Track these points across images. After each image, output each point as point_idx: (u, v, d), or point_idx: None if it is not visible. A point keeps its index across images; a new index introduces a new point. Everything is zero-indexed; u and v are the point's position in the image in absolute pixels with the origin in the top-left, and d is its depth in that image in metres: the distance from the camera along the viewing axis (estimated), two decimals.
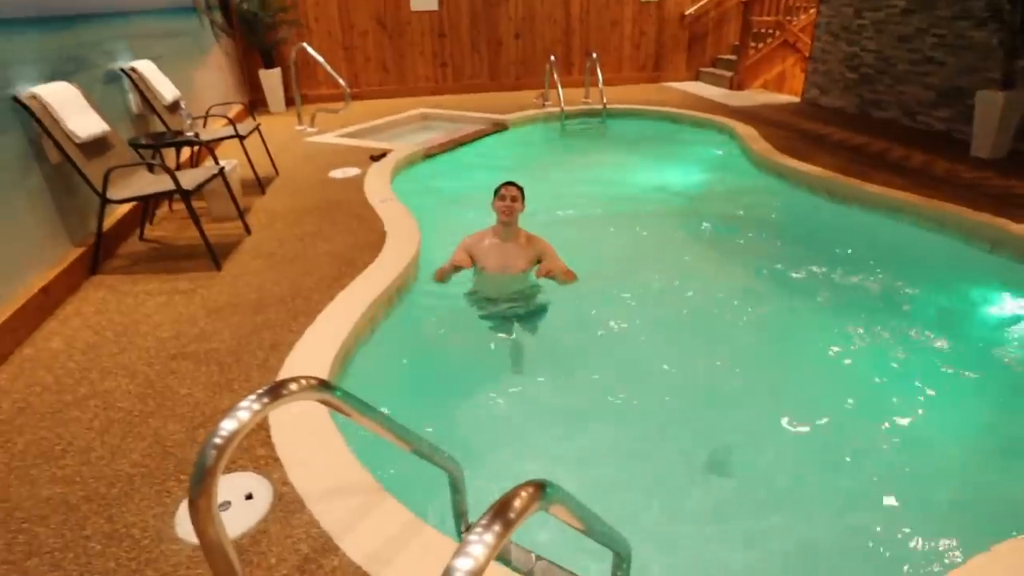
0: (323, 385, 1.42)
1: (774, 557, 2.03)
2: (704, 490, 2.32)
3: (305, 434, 2.15)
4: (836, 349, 3.13)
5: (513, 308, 3.32)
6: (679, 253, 4.28)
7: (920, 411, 2.68)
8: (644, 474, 2.37)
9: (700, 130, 7.48)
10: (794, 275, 3.92)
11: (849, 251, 4.17)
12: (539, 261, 3.37)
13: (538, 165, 6.53)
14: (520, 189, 3.34)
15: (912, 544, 2.04)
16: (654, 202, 5.28)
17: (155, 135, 4.49)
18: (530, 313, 3.32)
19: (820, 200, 5.05)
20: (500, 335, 3.22)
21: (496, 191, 3.35)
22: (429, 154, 6.45)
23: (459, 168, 6.36)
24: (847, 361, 3.05)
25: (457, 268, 3.36)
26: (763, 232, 4.65)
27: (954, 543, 2.01)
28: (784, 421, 2.60)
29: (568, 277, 3.33)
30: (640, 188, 5.65)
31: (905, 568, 1.97)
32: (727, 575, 1.98)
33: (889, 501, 2.22)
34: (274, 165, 5.62)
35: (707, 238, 4.58)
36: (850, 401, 2.73)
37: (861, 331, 3.26)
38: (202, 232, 3.54)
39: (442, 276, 3.38)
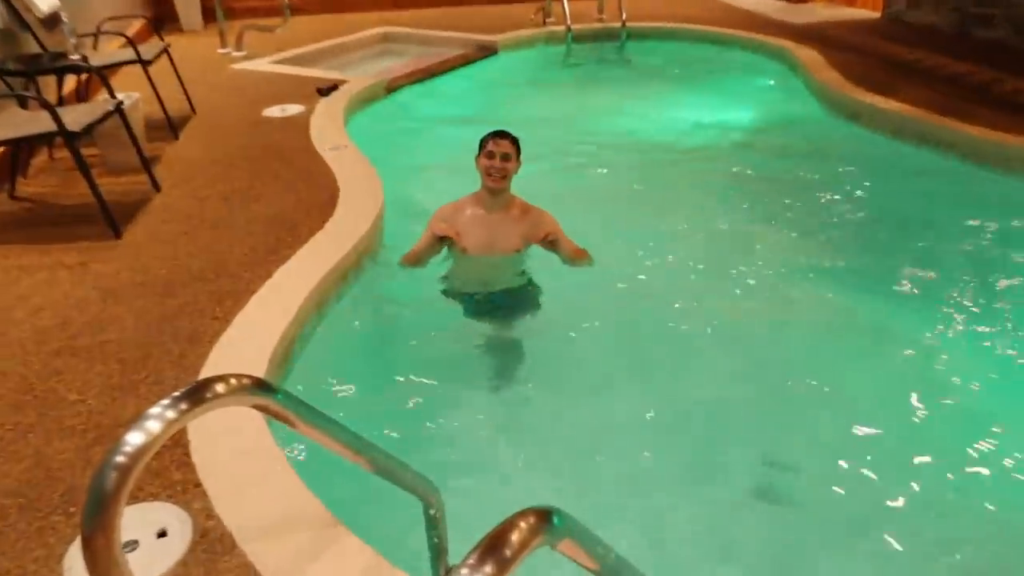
0: (260, 386, 1.39)
1: None
2: (755, 527, 2.32)
3: (236, 451, 2.12)
4: (926, 346, 3.11)
5: (499, 300, 3.24)
6: (717, 221, 4.27)
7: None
8: (676, 508, 2.37)
9: (749, 56, 7.45)
10: (870, 247, 3.94)
11: (944, 214, 4.17)
12: (538, 240, 3.23)
13: (536, 103, 6.50)
14: (514, 142, 3.13)
15: None
16: (687, 153, 5.28)
17: (27, 58, 4.40)
18: (521, 306, 3.24)
19: (906, 146, 5.06)
20: (482, 334, 3.17)
21: (481, 144, 3.13)
22: (393, 87, 6.39)
23: (433, 105, 6.31)
24: (939, 365, 3.01)
25: (441, 241, 3.19)
26: (830, 190, 4.64)
27: None
28: (857, 439, 2.60)
29: (580, 256, 3.24)
30: (669, 135, 5.64)
31: None
32: None
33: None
34: (189, 101, 5.55)
35: (756, 199, 4.58)
36: (945, 414, 2.73)
37: (959, 321, 3.27)
38: (94, 188, 3.48)
39: (416, 259, 3.22)
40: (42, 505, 1.99)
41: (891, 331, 3.27)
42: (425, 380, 2.88)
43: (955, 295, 3.47)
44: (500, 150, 3.05)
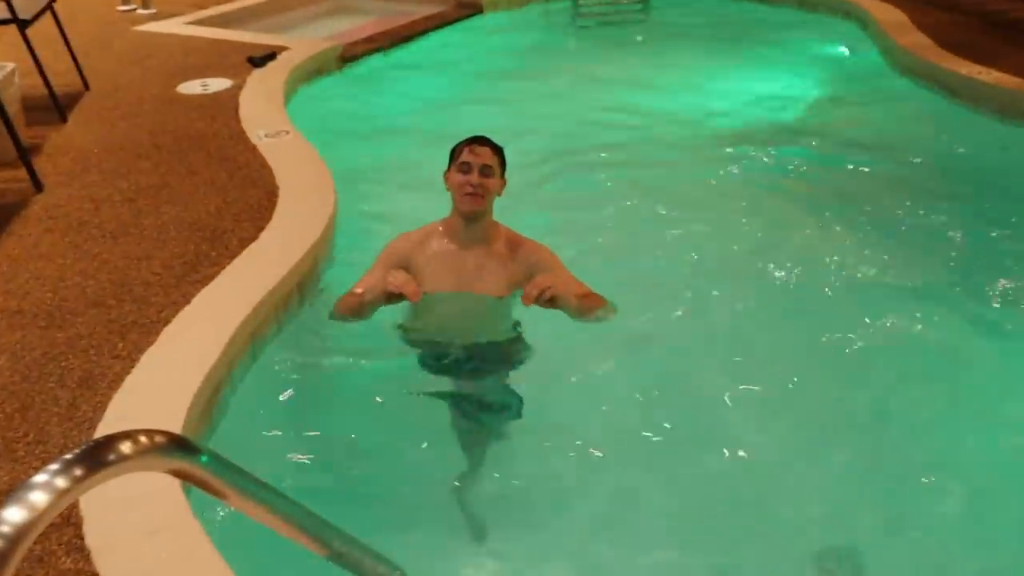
0: (178, 445, 1.39)
1: None
2: None
3: (143, 531, 2.11)
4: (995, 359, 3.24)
5: (473, 362, 3.02)
6: (768, 229, 4.30)
7: None
8: None
9: (809, 16, 7.54)
10: (970, 255, 3.96)
11: None
12: (531, 294, 2.85)
13: (533, 76, 6.55)
14: (497, 151, 2.96)
15: None
16: (726, 141, 5.34)
17: None
18: (500, 370, 3.04)
19: (1010, 127, 5.10)
20: (447, 412, 2.96)
21: (453, 154, 2.96)
22: (349, 55, 6.43)
23: (400, 81, 6.35)
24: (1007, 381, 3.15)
25: (389, 299, 2.90)
26: (918, 185, 4.69)
27: None
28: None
29: (590, 304, 2.93)
30: (702, 116, 5.72)
31: None
32: None
33: None
34: (81, 73, 5.57)
35: (816, 199, 4.62)
36: None
37: None
38: None
39: (355, 309, 2.95)
40: None
41: (991, 342, 3.39)
42: (388, 439, 2.89)
43: None
44: (479, 161, 2.87)
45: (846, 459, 2.88)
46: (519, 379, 3.02)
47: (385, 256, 3.04)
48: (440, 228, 3.05)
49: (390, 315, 3.09)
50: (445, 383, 3.04)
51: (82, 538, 2.12)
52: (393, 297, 2.89)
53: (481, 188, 2.86)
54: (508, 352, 3.07)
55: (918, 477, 2.77)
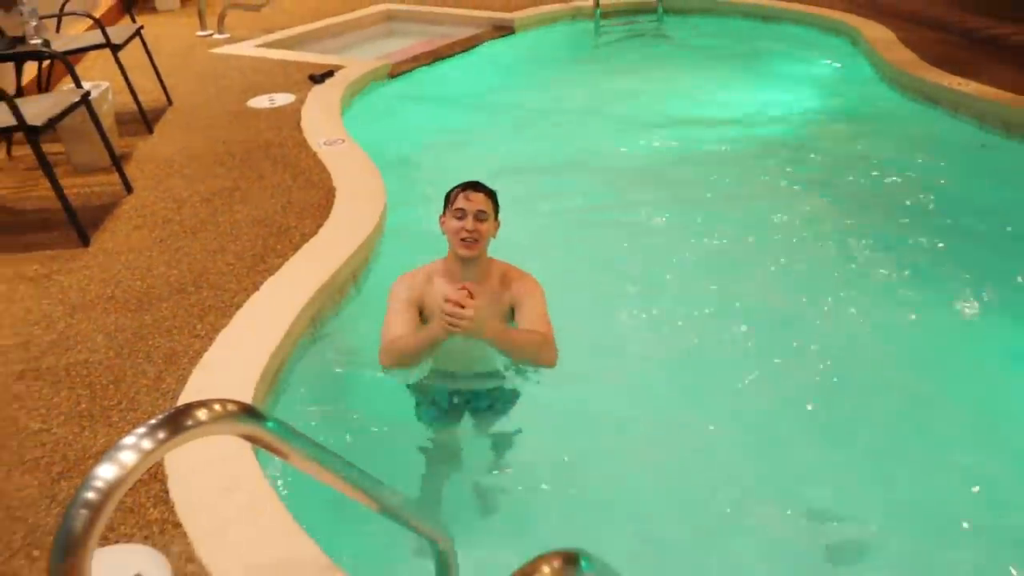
0: (248, 413, 1.41)
1: None
2: None
3: (219, 487, 2.14)
4: (988, 363, 3.14)
5: (472, 394, 2.80)
6: (772, 227, 4.25)
7: None
8: None
9: (806, 32, 7.44)
10: (953, 252, 3.90)
11: None
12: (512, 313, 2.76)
13: (559, 88, 6.52)
14: (490, 195, 2.73)
15: None
16: (733, 146, 5.28)
17: None
18: (498, 404, 2.80)
19: (991, 135, 5.02)
20: (444, 444, 2.80)
21: (448, 200, 2.73)
22: (397, 72, 6.44)
23: (443, 93, 6.35)
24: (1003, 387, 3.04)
25: (429, 345, 2.58)
26: (904, 188, 4.62)
27: None
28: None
29: (533, 350, 2.62)
30: (712, 125, 5.65)
31: None
32: None
33: None
34: (165, 90, 5.63)
35: (815, 199, 4.56)
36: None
37: None
38: (58, 189, 3.54)
39: (410, 352, 2.61)
40: (2, 548, 2.03)
41: (972, 335, 3.33)
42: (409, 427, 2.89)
43: None
44: (473, 207, 2.63)
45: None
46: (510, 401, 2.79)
47: (402, 299, 2.73)
48: (439, 268, 2.78)
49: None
50: (440, 409, 2.80)
51: (167, 492, 2.16)
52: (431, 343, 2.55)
53: (476, 234, 2.63)
54: (503, 382, 2.79)
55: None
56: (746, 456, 2.73)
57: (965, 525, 2.44)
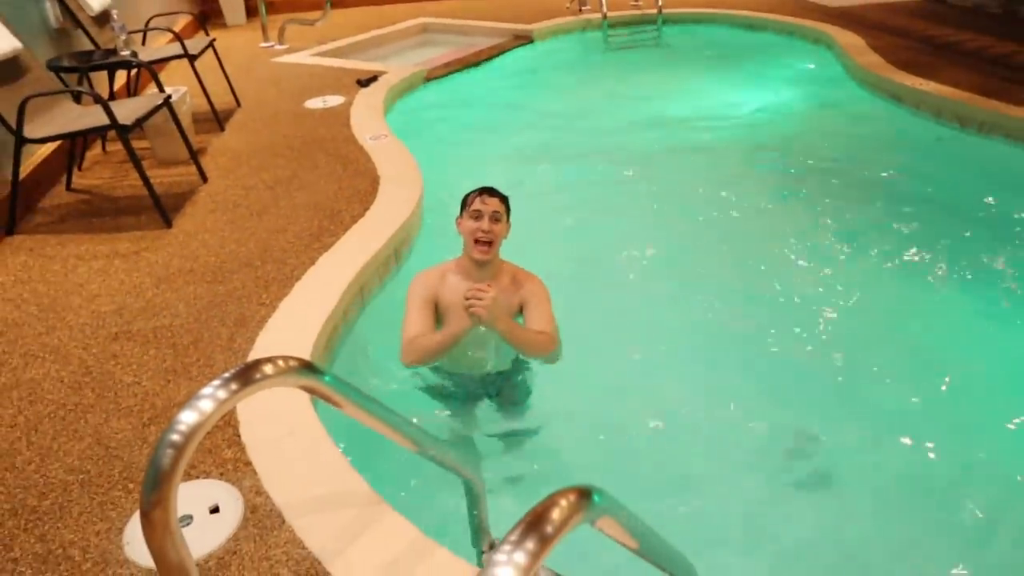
0: (307, 368, 1.41)
1: None
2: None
3: (283, 432, 2.16)
4: (970, 340, 3.07)
5: (485, 387, 2.68)
6: (759, 209, 4.21)
7: None
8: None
9: (787, 40, 7.31)
10: (914, 231, 3.84)
11: (988, 199, 4.06)
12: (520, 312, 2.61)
13: (573, 90, 6.46)
14: (504, 200, 2.58)
15: None
16: (726, 140, 5.20)
17: (81, 55, 4.50)
18: (509, 390, 2.69)
19: (947, 129, 4.93)
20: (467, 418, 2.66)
21: (464, 203, 2.58)
22: (432, 76, 6.40)
23: (471, 94, 6.30)
24: (983, 360, 2.96)
25: (452, 340, 2.47)
26: (873, 174, 4.55)
27: None
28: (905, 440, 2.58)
29: (540, 346, 2.49)
30: (705, 122, 5.56)
31: None
32: None
33: None
34: (234, 93, 5.62)
35: (797, 185, 4.50)
36: (985, 411, 2.69)
37: (1005, 310, 3.20)
38: (145, 179, 3.56)
39: (432, 348, 2.49)
40: (103, 481, 2.06)
41: (935, 316, 3.25)
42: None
43: (999, 280, 3.41)
44: (488, 209, 2.49)
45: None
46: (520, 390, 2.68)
47: (419, 298, 2.58)
48: (454, 268, 2.63)
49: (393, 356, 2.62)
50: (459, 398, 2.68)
51: (239, 436, 2.18)
52: (452, 338, 2.45)
53: (491, 234, 2.49)
54: (516, 372, 2.69)
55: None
56: (752, 408, 2.72)
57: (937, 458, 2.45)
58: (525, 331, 2.48)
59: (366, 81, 5.87)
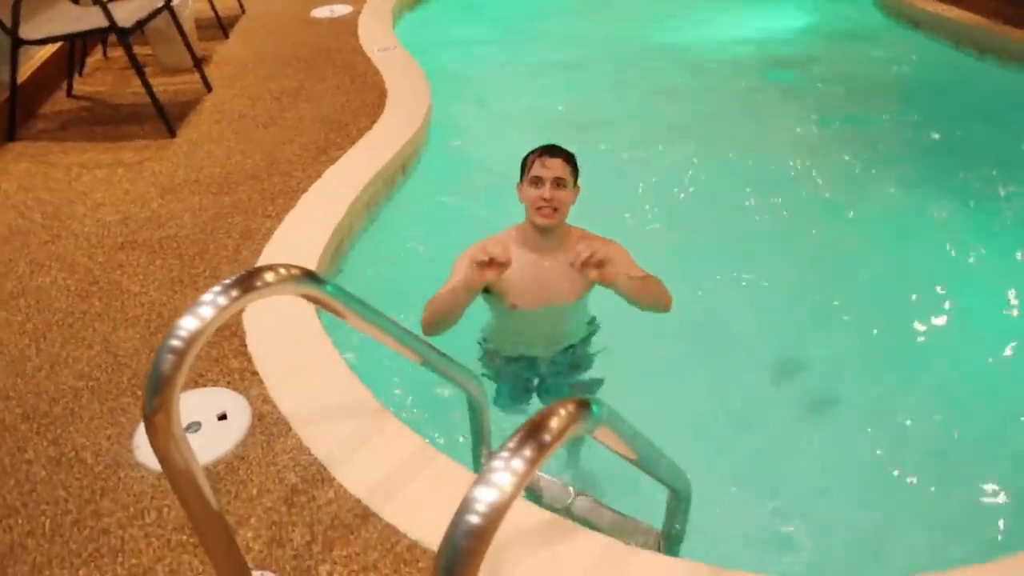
0: (309, 276, 1.40)
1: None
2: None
3: (289, 343, 2.17)
4: (976, 266, 3.04)
5: (554, 366, 2.40)
6: (767, 139, 4.06)
7: None
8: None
9: None
10: (928, 158, 3.77)
11: (1000, 127, 3.94)
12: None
13: (591, 9, 6.20)
14: (568, 159, 2.18)
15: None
16: (730, 68, 4.96)
17: None
18: (579, 359, 2.42)
19: (965, 56, 4.73)
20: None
21: (525, 165, 2.19)
22: None
23: (487, 5, 6.08)
24: (986, 291, 2.95)
25: (470, 289, 2.01)
26: (887, 101, 4.41)
27: None
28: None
29: (646, 290, 2.11)
30: (720, 46, 5.32)
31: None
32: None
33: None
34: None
35: (808, 112, 4.35)
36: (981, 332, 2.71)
37: (1011, 236, 3.15)
38: (148, 86, 3.48)
39: (447, 312, 2.04)
40: (112, 388, 2.09)
41: (949, 239, 3.20)
42: None
43: (1003, 202, 3.37)
44: (551, 174, 2.10)
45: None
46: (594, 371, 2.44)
47: (464, 263, 2.09)
48: (516, 235, 2.24)
49: (471, 331, 2.39)
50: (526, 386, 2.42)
51: (246, 346, 2.19)
52: (480, 280, 1.97)
53: (555, 202, 2.11)
54: (584, 352, 2.42)
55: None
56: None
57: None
58: (646, 282, 2.09)
59: None
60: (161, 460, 1.27)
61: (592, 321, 2.42)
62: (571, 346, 2.38)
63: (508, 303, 2.22)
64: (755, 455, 2.28)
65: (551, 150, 2.17)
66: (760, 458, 2.28)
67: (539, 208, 2.12)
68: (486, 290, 2.20)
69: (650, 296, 2.09)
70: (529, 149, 2.20)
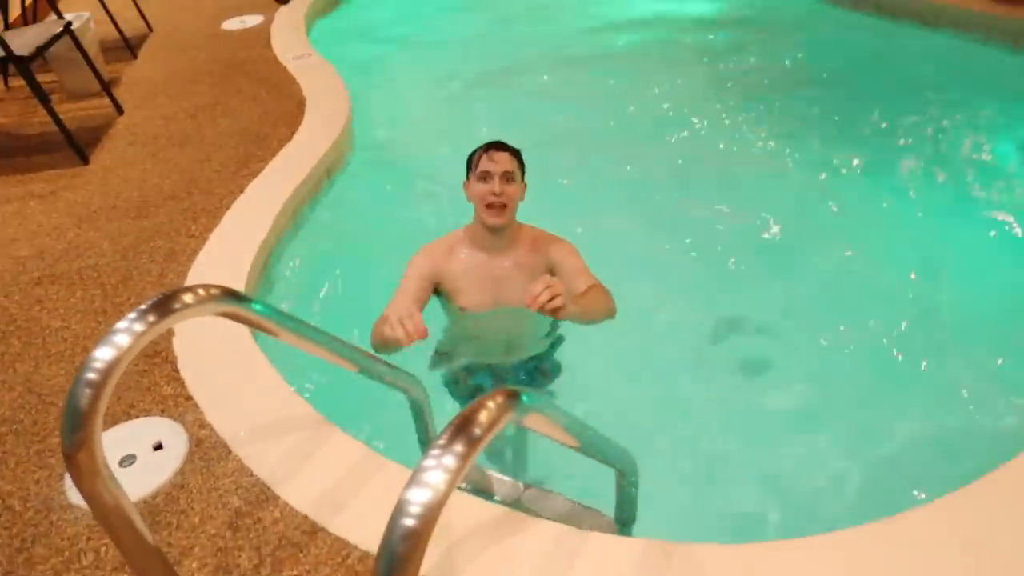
0: (229, 295, 1.36)
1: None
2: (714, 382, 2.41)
3: (222, 363, 2.11)
4: (892, 218, 3.15)
5: (517, 374, 2.32)
6: (684, 103, 4.15)
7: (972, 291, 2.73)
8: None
9: None
10: (842, 120, 3.88)
11: (912, 87, 4.09)
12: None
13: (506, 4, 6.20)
14: (515, 155, 2.10)
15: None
16: (648, 32, 5.07)
17: None
18: (543, 372, 2.33)
19: (875, 20, 4.89)
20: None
21: (471, 162, 2.10)
22: None
23: (400, 8, 6.03)
24: (904, 235, 3.07)
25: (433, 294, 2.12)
26: (793, 62, 4.53)
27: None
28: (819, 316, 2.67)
29: (593, 310, 1.92)
30: (633, 15, 5.40)
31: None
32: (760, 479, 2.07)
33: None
34: (144, 17, 5.27)
35: (721, 75, 4.46)
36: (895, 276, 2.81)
37: (921, 192, 3.29)
38: (54, 115, 3.35)
39: (385, 346, 1.84)
40: (38, 429, 1.99)
41: (855, 197, 3.32)
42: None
43: (919, 161, 3.51)
44: (499, 168, 2.02)
45: None
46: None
47: (414, 274, 2.09)
48: (464, 236, 2.15)
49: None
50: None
51: (177, 371, 2.12)
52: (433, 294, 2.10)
53: (504, 197, 2.02)
54: (548, 360, 2.34)
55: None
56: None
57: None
58: (592, 300, 1.94)
59: None
60: (87, 499, 1.22)
61: (554, 328, 2.31)
62: (534, 358, 2.28)
63: (458, 305, 2.12)
64: (695, 430, 2.32)
65: (498, 145, 2.10)
66: (699, 432, 2.31)
67: (489, 205, 2.02)
68: (436, 291, 2.13)
69: (597, 315, 1.93)
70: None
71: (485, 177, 2.03)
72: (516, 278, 2.08)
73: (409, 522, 0.80)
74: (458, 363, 2.31)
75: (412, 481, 0.81)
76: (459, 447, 0.84)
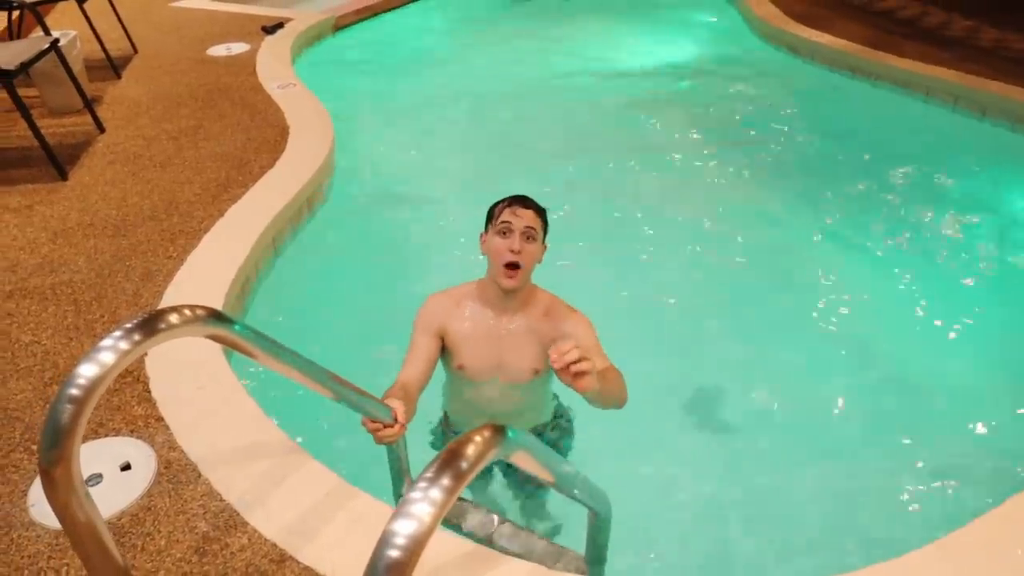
0: (215, 316, 1.35)
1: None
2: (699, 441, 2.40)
3: (195, 385, 2.08)
4: (851, 266, 3.25)
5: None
6: (660, 157, 4.25)
7: (945, 339, 2.81)
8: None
9: None
10: (805, 174, 4.00)
11: (875, 142, 4.25)
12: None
13: (481, 40, 6.33)
14: (540, 213, 1.90)
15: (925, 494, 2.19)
16: (629, 88, 5.20)
17: None
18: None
19: (839, 78, 5.10)
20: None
21: (491, 215, 1.92)
22: (341, 24, 6.16)
23: (382, 43, 6.10)
24: (862, 283, 3.16)
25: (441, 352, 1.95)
26: (769, 120, 4.66)
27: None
28: (788, 357, 2.72)
29: (610, 394, 1.68)
30: (610, 70, 5.54)
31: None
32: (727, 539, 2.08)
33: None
34: (130, 39, 5.25)
35: (696, 132, 4.57)
36: (861, 324, 2.90)
37: (884, 242, 3.39)
38: (35, 129, 3.30)
39: (391, 422, 1.60)
40: (2, 445, 1.94)
41: (821, 245, 3.43)
42: (384, 309, 2.82)
43: (881, 214, 3.62)
44: (520, 223, 1.83)
45: None
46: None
47: (422, 325, 1.92)
48: (475, 292, 1.95)
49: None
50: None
51: (149, 391, 2.09)
52: (441, 352, 1.95)
53: (523, 256, 1.82)
54: (554, 421, 2.18)
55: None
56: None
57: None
58: (611, 381, 1.73)
59: (272, 28, 5.58)
60: (60, 516, 1.19)
61: (552, 399, 2.16)
62: (536, 427, 2.12)
63: (455, 363, 1.93)
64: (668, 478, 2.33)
65: (523, 200, 1.90)
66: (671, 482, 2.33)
67: (507, 264, 1.82)
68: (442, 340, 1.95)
69: (612, 398, 1.71)
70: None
71: (505, 231, 1.83)
72: (523, 344, 1.90)
73: (394, 553, 0.80)
74: (451, 423, 2.15)
75: (398, 512, 0.81)
76: (446, 480, 0.84)
